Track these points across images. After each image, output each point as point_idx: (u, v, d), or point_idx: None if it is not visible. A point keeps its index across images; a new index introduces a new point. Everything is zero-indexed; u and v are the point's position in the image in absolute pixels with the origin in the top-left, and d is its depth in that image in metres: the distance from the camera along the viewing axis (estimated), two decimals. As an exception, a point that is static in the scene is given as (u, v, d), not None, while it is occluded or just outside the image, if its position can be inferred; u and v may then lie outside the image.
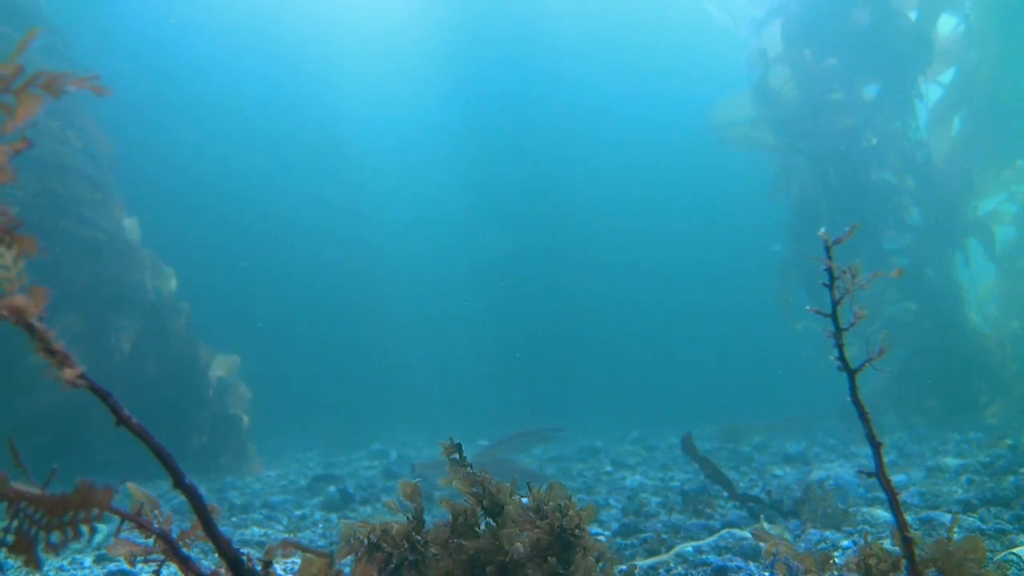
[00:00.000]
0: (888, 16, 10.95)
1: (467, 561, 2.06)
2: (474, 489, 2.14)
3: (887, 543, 2.25)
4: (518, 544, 2.01)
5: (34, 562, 1.28)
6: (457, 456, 2.17)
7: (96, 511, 1.29)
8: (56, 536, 1.29)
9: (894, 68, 11.03)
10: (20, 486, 1.31)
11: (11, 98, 1.21)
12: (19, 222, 1.29)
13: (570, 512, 2.08)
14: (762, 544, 3.78)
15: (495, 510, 2.12)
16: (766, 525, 4.28)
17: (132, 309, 8.99)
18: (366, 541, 2.12)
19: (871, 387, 10.54)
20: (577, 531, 2.07)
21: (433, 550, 2.12)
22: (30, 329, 1.26)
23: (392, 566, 2.09)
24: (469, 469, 2.15)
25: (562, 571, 2.04)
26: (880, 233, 11.04)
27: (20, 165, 1.27)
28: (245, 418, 9.49)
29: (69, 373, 1.30)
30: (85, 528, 1.28)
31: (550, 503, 2.10)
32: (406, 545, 2.10)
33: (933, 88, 11.63)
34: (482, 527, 2.15)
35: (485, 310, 28.89)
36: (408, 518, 2.15)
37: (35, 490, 1.31)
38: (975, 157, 11.26)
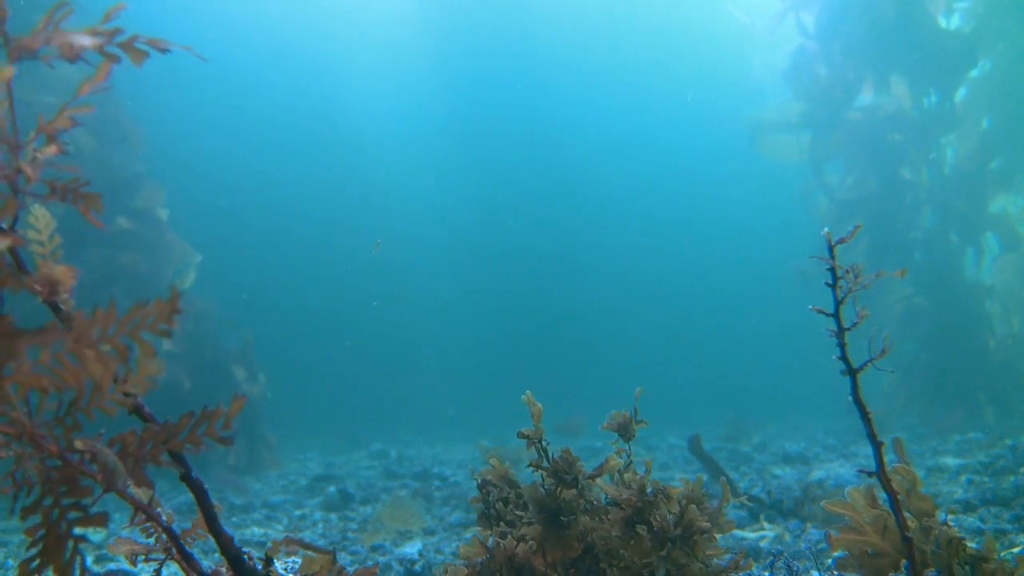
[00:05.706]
0: (922, 19, 10.90)
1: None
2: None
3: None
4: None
5: (147, 483, 1.39)
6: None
7: (222, 421, 1.34)
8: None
9: (925, 70, 10.99)
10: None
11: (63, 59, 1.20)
12: (85, 181, 1.27)
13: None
14: (763, 544, 3.78)
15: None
16: (766, 525, 4.28)
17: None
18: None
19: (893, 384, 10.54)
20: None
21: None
22: (55, 308, 1.24)
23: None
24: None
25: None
26: (906, 230, 11.07)
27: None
28: (270, 436, 9.60)
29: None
30: (213, 439, 1.37)
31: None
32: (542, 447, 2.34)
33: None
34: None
35: (484, 310, 28.88)
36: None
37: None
38: (1000, 153, 11.20)
